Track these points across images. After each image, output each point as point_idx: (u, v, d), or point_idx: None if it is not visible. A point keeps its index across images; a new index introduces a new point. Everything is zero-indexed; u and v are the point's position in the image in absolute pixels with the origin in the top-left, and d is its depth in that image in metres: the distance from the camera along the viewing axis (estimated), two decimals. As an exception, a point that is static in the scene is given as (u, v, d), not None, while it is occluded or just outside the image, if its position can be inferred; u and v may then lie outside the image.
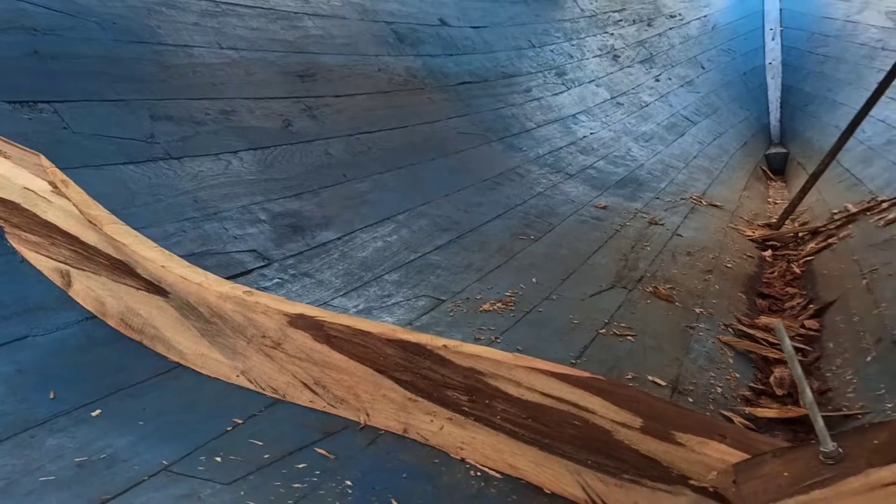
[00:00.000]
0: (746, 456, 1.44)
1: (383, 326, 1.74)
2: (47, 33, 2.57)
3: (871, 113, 5.47)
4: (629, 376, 2.23)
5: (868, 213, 4.03)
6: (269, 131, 3.15)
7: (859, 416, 2.07)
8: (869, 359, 2.38)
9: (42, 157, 1.96)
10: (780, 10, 9.21)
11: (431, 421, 1.67)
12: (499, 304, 2.63)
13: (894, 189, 4.23)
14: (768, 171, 7.41)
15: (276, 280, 2.45)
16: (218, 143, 2.87)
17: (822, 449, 1.35)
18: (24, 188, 1.92)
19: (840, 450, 1.34)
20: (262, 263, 2.50)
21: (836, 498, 1.29)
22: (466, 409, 1.63)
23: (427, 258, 2.96)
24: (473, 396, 1.62)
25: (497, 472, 1.59)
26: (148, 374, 1.78)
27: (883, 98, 5.39)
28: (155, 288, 1.86)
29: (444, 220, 3.38)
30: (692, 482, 1.45)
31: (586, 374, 1.57)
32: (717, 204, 5.11)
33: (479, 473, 1.57)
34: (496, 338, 2.35)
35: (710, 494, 1.45)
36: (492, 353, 1.61)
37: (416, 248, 3.01)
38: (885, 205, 3.99)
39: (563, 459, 1.55)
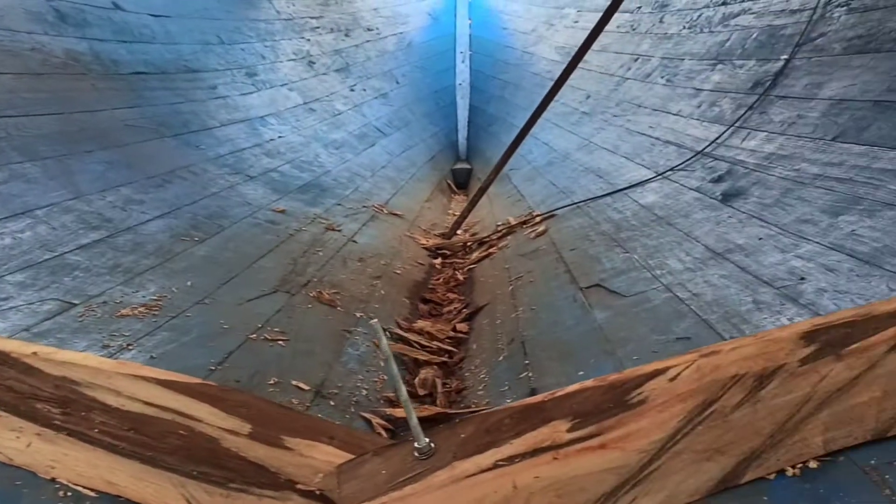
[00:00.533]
0: (351, 456, 1.45)
1: (-36, 332, 1.52)
2: None
3: (539, 136, 6.03)
4: (271, 381, 2.19)
5: (524, 226, 4.41)
6: None
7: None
8: (501, 358, 2.57)
9: None
10: (471, 35, 9.87)
11: (17, 438, 1.48)
12: (141, 309, 2.45)
13: (548, 205, 4.67)
14: (453, 185, 7.86)
15: None
16: None
17: (415, 445, 1.39)
18: None
19: (432, 445, 1.39)
20: None
21: (426, 491, 1.33)
22: (59, 422, 1.47)
23: (65, 258, 2.68)
24: (67, 408, 1.47)
25: (92, 490, 1.44)
26: None
27: (547, 123, 5.98)
28: None
29: (95, 217, 3.10)
30: (299, 486, 1.43)
31: (195, 380, 1.49)
32: (398, 213, 5.29)
33: (70, 493, 1.41)
34: (129, 345, 2.17)
35: (316, 497, 1.43)
36: (89, 360, 1.47)
37: (54, 247, 2.72)
38: (538, 219, 4.38)
39: (167, 472, 1.45)
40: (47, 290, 2.41)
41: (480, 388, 2.41)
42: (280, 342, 2.49)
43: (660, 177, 3.82)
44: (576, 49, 4.93)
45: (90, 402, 1.46)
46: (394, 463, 1.39)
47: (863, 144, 2.64)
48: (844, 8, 3.48)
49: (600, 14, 4.74)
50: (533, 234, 4.06)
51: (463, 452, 1.35)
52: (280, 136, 5.61)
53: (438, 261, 4.42)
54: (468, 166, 8.35)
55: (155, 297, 2.59)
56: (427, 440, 1.38)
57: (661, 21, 5.90)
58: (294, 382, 2.23)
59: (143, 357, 2.12)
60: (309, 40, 7.33)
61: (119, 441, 1.46)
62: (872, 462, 1.19)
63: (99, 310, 2.38)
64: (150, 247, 3.07)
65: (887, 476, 1.17)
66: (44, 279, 2.48)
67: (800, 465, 1.22)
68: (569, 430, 1.31)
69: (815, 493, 1.18)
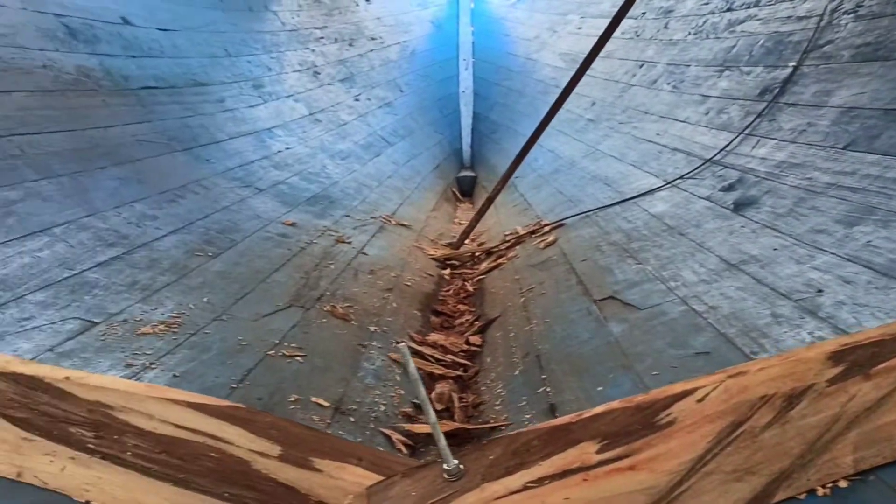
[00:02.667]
0: (380, 478, 1.47)
1: (-5, 358, 1.54)
2: None
3: (544, 143, 6.04)
4: (292, 399, 2.20)
5: (533, 236, 4.43)
6: None
7: (503, 428, 2.23)
8: (517, 372, 2.58)
9: None
10: (473, 42, 9.91)
11: (51, 462, 1.49)
12: (161, 326, 2.47)
13: (556, 213, 4.69)
14: (458, 193, 7.89)
15: None
16: None
17: (444, 467, 1.40)
18: None
19: (461, 466, 1.41)
20: None
21: (457, 513, 1.34)
22: (92, 446, 1.49)
23: (84, 276, 2.70)
24: (100, 432, 1.48)
25: (126, 513, 1.46)
26: None
27: (552, 130, 5.99)
28: None
29: (111, 234, 3.12)
30: (330, 508, 1.44)
31: (225, 403, 1.51)
32: (406, 223, 5.31)
33: (103, 517, 1.43)
34: (151, 364, 2.19)
35: (347, 519, 1.45)
36: (121, 384, 1.49)
37: (72, 265, 2.74)
38: (546, 228, 4.40)
39: (200, 494, 1.47)
40: (68, 309, 2.43)
41: (498, 402, 2.42)
42: (297, 358, 2.51)
43: (669, 185, 3.84)
44: (580, 56, 4.95)
45: (123, 426, 1.48)
46: (423, 485, 1.41)
47: (875, 153, 2.66)
48: (852, 15, 3.50)
49: (604, 20, 4.77)
50: (542, 244, 4.08)
51: (492, 474, 1.37)
52: (287, 148, 5.63)
53: (447, 271, 4.43)
54: (472, 174, 8.37)
55: (173, 315, 2.61)
56: (456, 462, 1.40)
57: (665, 27, 5.92)
58: (314, 399, 2.25)
59: (165, 376, 2.13)
60: (314, 51, 7.36)
61: (152, 464, 1.47)
62: (901, 480, 1.21)
63: (120, 328, 2.40)
64: (165, 263, 3.09)
65: (917, 494, 1.18)
66: (64, 298, 2.50)
67: (830, 485, 1.23)
68: (597, 452, 1.33)
69: (845, 511, 1.19)
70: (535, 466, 1.34)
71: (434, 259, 4.62)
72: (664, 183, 3.90)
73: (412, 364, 1.38)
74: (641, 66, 5.90)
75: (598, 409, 1.40)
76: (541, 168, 6.08)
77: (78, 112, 3.79)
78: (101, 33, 4.44)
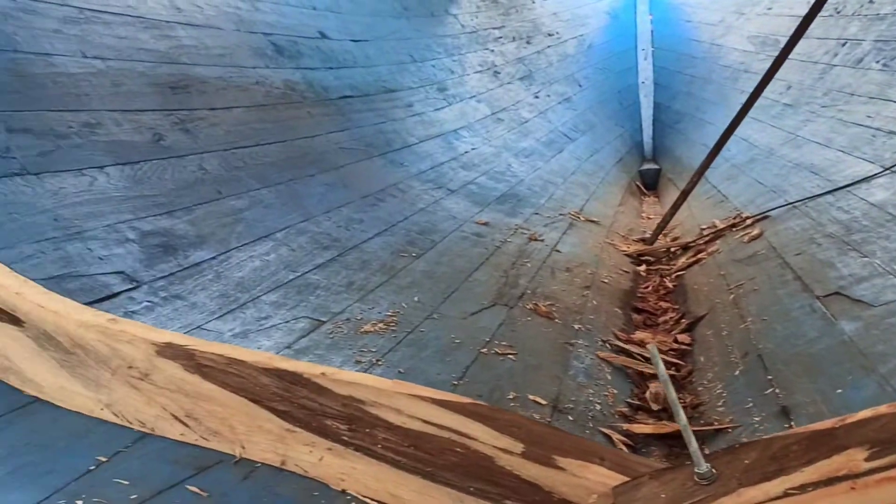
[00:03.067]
0: (625, 478, 1.46)
1: (259, 354, 1.68)
2: None
3: (735, 132, 5.78)
4: (510, 396, 2.24)
5: (734, 229, 4.25)
6: (139, 145, 3.00)
7: (729, 430, 2.16)
8: (737, 373, 2.49)
9: None
10: (652, 31, 9.64)
11: (310, 452, 1.61)
12: (380, 325, 2.60)
13: (757, 205, 4.47)
14: (642, 187, 7.71)
15: (146, 303, 2.32)
16: (81, 158, 2.71)
17: (696, 470, 1.38)
18: None
19: (713, 470, 1.38)
20: (131, 286, 2.37)
21: (709, 517, 1.32)
22: (346, 438, 1.59)
23: (307, 277, 2.89)
24: (353, 425, 1.58)
25: (379, 502, 1.55)
26: (1, 410, 1.64)
27: (745, 118, 5.71)
28: (8, 317, 1.72)
29: (325, 237, 3.32)
30: (573, 505, 1.46)
31: (467, 400, 1.56)
32: (594, 219, 5.26)
33: (360, 505, 1.53)
34: (377, 360, 2.31)
35: (591, 517, 1.46)
36: (372, 381, 1.57)
37: (296, 268, 2.94)
38: (748, 221, 4.21)
39: (446, 487, 1.53)
40: (297, 309, 2.61)
41: (720, 403, 2.35)
42: (510, 356, 2.55)
43: (888, 171, 3.55)
44: (771, 38, 4.69)
45: (374, 420, 1.56)
46: (673, 487, 1.39)
47: None
48: None
49: None
50: (746, 238, 3.90)
51: (748, 479, 1.33)
52: (473, 149, 5.74)
53: (643, 268, 4.35)
54: (656, 166, 8.15)
55: (389, 314, 2.73)
56: (707, 465, 1.37)
57: (870, 1, 5.49)
58: (531, 397, 2.28)
59: (392, 372, 2.24)
60: (493, 51, 7.45)
61: (401, 457, 1.55)
62: None
63: (344, 326, 2.55)
64: (375, 264, 3.24)
65: None
66: (293, 298, 2.68)
67: None
68: (867, 459, 1.25)
69: None
70: (796, 472, 1.28)
71: (627, 255, 4.54)
72: (882, 169, 3.62)
73: (662, 365, 1.37)
74: (844, 45, 5.51)
75: (865, 413, 1.32)
76: (734, 157, 5.81)
77: (287, 123, 4.06)
78: (303, 48, 4.72)
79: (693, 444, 1.37)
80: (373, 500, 1.55)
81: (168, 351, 1.65)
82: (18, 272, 1.87)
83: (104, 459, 1.55)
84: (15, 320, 1.72)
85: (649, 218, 6.21)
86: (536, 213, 4.90)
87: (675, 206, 4.91)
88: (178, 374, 1.65)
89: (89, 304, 2.08)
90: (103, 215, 2.57)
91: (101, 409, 1.70)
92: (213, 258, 2.75)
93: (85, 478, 1.47)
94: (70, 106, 2.83)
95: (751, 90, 4.79)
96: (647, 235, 5.08)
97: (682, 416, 1.39)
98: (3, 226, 2.22)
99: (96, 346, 1.68)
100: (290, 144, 3.93)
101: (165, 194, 2.90)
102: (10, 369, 1.74)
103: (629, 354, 2.86)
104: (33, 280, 1.86)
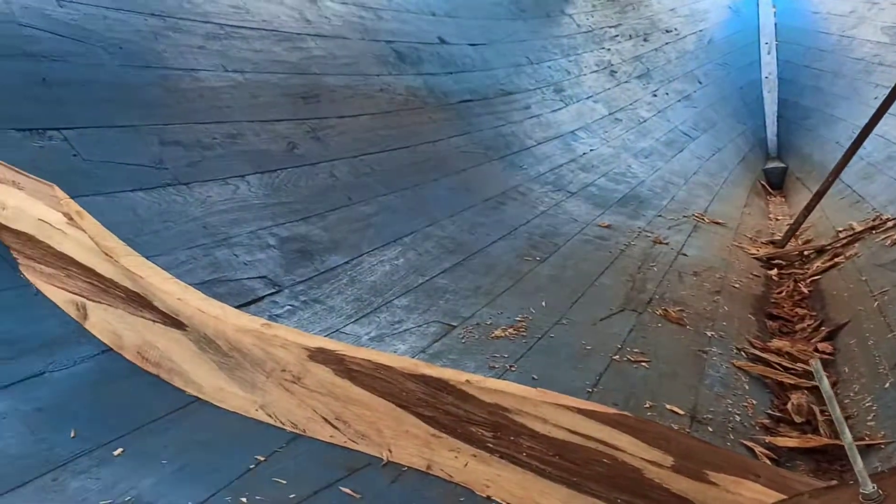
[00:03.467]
0: (782, 496, 1.42)
1: (405, 361, 1.72)
2: (55, 59, 2.54)
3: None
4: (647, 405, 2.21)
5: (874, 232, 4.04)
6: (275, 154, 3.13)
7: (882, 446, 2.06)
8: (887, 385, 2.37)
9: (56, 187, 1.93)
10: (776, 24, 9.26)
11: (456, 457, 1.64)
12: (510, 330, 2.61)
13: (897, 206, 4.24)
14: (767, 186, 7.42)
15: (288, 307, 2.42)
16: (225, 168, 2.85)
17: (861, 490, 1.32)
18: (39, 220, 1.90)
19: (880, 491, 1.32)
20: (273, 290, 2.48)
21: (877, 540, 1.27)
22: (491, 445, 1.61)
23: (435, 282, 2.94)
24: (498, 433, 1.60)
25: (524, 510, 1.56)
26: (166, 410, 1.75)
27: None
28: (172, 321, 1.83)
29: (450, 241, 3.36)
30: (725, 522, 1.43)
31: (613, 411, 1.55)
32: (720, 221, 5.10)
33: (504, 512, 1.54)
34: (511, 366, 2.33)
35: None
36: (516, 389, 1.59)
37: (424, 272, 2.99)
38: (890, 223, 3.99)
39: (592, 498, 1.53)
40: (429, 313, 2.66)
41: (870, 417, 2.24)
42: (643, 363, 2.51)
43: None
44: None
45: (519, 428, 1.58)
46: (834, 507, 1.34)
47: None
48: None
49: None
50: (889, 242, 3.70)
51: (918, 501, 1.27)
52: (591, 150, 5.68)
53: (774, 272, 4.19)
54: (782, 165, 7.82)
55: (518, 319, 2.74)
56: (874, 486, 1.31)
57: None
58: (668, 406, 2.24)
59: (525, 379, 2.25)
60: (609, 50, 7.34)
61: (546, 465, 1.56)
62: None
63: (475, 331, 2.57)
64: (500, 268, 3.26)
65: None
66: (424, 302, 2.73)
67: None
68: None
69: None
70: (974, 497, 1.22)
71: (757, 258, 4.39)
72: None
73: (826, 381, 1.32)
74: None
75: None
76: (869, 155, 5.51)
77: (410, 129, 4.14)
78: (423, 54, 4.80)
79: (859, 463, 1.32)
80: (518, 507, 1.56)
81: (319, 356, 1.71)
82: (176, 276, 1.98)
83: (262, 459, 1.62)
84: (178, 324, 1.83)
85: (777, 219, 5.97)
86: (659, 216, 4.80)
87: (809, 208, 4.71)
88: (329, 379, 1.71)
89: (237, 308, 2.19)
90: (246, 222, 2.70)
91: (256, 410, 1.79)
92: (347, 263, 2.83)
93: (246, 476, 1.56)
94: (214, 118, 2.98)
95: (887, 84, 4.54)
96: (777, 238, 4.90)
97: (847, 434, 1.33)
98: (160, 233, 2.36)
99: (252, 350, 1.76)
100: (413, 150, 4.00)
101: (300, 201, 3.02)
102: (174, 370, 1.85)
103: (767, 363, 2.76)
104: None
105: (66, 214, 1.91)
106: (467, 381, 1.63)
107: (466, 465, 1.63)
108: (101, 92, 2.64)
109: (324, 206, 3.09)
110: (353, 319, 2.49)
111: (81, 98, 2.55)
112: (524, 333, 2.62)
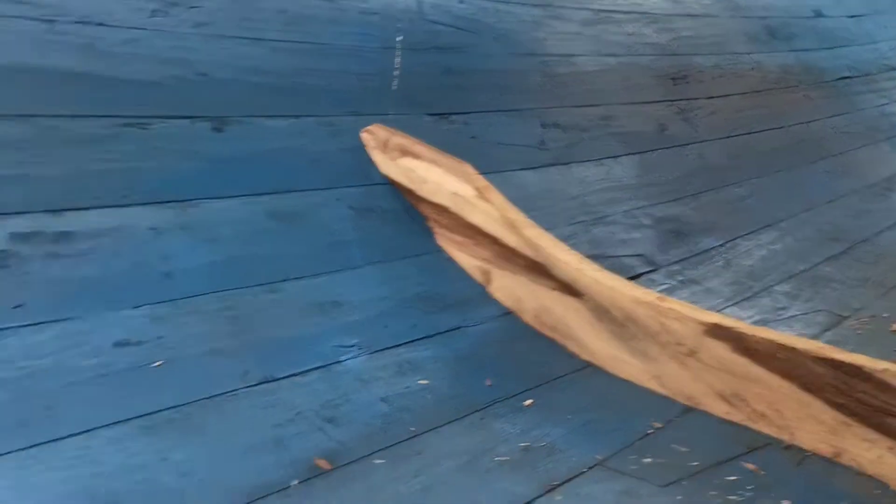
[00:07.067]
0: None
1: (809, 343, 1.66)
2: (456, 51, 2.81)
3: None
4: None
5: None
6: (646, 136, 3.15)
7: None
8: None
9: (468, 165, 2.15)
10: None
11: (869, 448, 1.54)
12: (912, 325, 2.37)
13: None
14: None
15: (665, 286, 2.44)
16: (599, 149, 2.94)
17: None
18: (453, 193, 2.12)
19: None
20: (649, 268, 2.51)
21: None
22: (912, 439, 1.49)
23: (818, 269, 2.76)
24: (923, 427, 1.48)
25: (952, 514, 1.43)
26: (564, 370, 1.88)
27: None
28: (569, 289, 1.95)
29: (830, 228, 3.13)
30: None
31: None
32: None
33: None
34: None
35: None
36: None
37: (805, 258, 2.82)
38: None
39: None
40: (814, 302, 2.51)
41: None
42: None
43: None
44: None
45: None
46: None
47: None
48: None
49: None
50: None
51: None
52: None
53: None
54: None
55: (920, 313, 2.48)
56: None
57: None
58: None
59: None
60: None
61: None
62: None
63: (871, 323, 2.38)
64: (891, 259, 2.97)
65: None
66: (807, 290, 2.59)
67: None
68: None
69: None
70: None
71: None
72: None
73: None
74: None
75: None
76: None
77: (781, 109, 3.91)
78: (796, 29, 4.49)
79: None
80: (945, 510, 1.43)
81: (715, 331, 1.71)
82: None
83: (659, 426, 1.67)
84: (575, 293, 1.94)
85: None
86: None
87: None
88: (726, 355, 1.70)
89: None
90: (620, 201, 2.77)
91: (650, 380, 1.84)
92: (721, 245, 2.78)
93: (646, 439, 1.61)
94: (589, 101, 3.09)
95: None
96: None
97: None
98: (545, 209, 2.51)
99: (646, 321, 1.81)
100: (786, 130, 3.78)
101: (671, 182, 3.01)
102: (570, 336, 1.97)
103: None
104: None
105: (476, 189, 2.11)
106: (885, 369, 1.52)
107: (880, 457, 1.53)
108: (492, 79, 2.87)
109: (695, 187, 3.05)
110: (732, 302, 2.43)
111: (476, 85, 2.80)
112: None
